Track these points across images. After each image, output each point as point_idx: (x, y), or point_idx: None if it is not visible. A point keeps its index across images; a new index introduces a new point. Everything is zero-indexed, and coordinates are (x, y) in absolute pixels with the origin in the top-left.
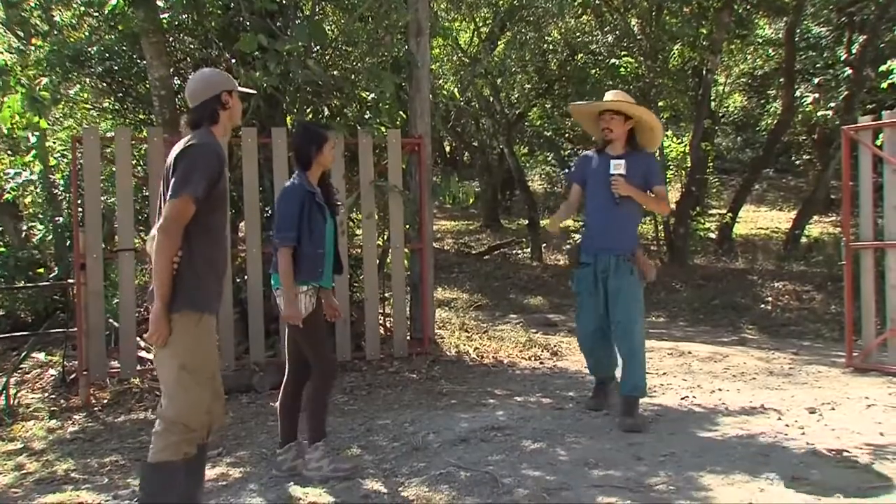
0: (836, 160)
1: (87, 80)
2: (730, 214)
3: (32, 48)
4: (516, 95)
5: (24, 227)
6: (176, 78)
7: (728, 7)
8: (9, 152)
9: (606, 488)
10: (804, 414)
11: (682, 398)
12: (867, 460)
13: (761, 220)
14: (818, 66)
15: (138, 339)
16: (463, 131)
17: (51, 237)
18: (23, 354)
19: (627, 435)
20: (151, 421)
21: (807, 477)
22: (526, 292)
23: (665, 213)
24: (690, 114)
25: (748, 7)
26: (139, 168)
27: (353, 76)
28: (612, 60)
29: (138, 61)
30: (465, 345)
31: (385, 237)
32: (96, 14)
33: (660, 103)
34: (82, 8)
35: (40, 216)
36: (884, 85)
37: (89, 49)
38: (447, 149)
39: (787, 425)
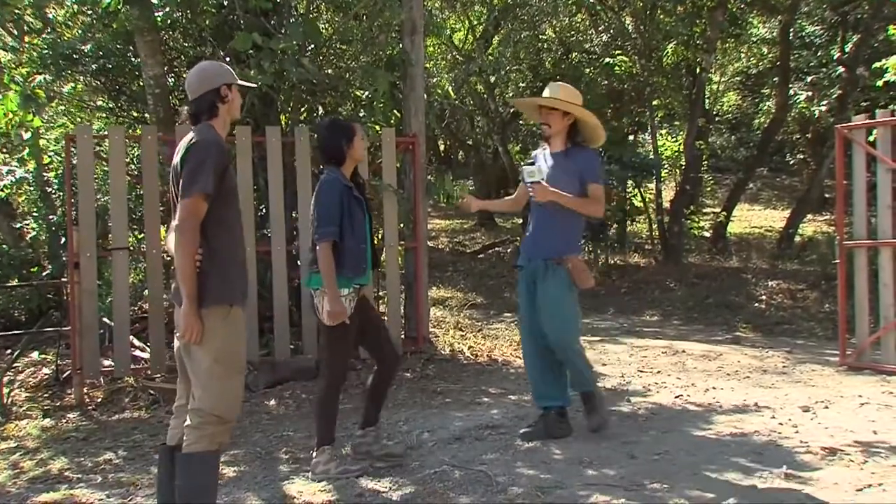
0: (829, 159)
1: (81, 78)
2: (724, 213)
3: (26, 46)
4: (510, 94)
5: (18, 226)
6: (170, 76)
7: (722, 6)
8: (3, 150)
9: (601, 487)
10: (798, 412)
11: (676, 397)
12: (860, 458)
13: (755, 218)
14: (812, 64)
15: (132, 337)
16: (457, 130)
17: (44, 236)
18: (16, 353)
19: (622, 433)
20: (146, 419)
21: (800, 475)
22: None
23: (597, 215)
24: (685, 112)
25: (742, 6)
26: (133, 166)
27: (347, 75)
28: (607, 59)
29: (132, 59)
30: (459, 343)
31: (379, 236)
32: (90, 12)
33: (654, 102)
34: (76, 6)
35: (34, 214)
36: (878, 83)
37: (83, 47)
38: (441, 147)
39: (780, 423)
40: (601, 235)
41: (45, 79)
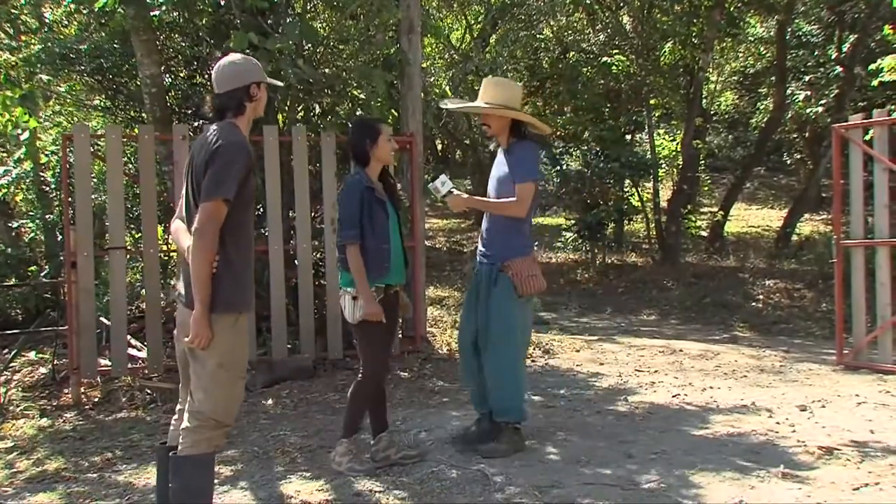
0: (826, 158)
1: (78, 77)
2: (721, 212)
3: (22, 45)
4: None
5: (15, 225)
6: (167, 75)
7: (720, 5)
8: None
9: (597, 486)
10: (795, 411)
11: (674, 396)
12: (857, 458)
13: (753, 218)
14: (809, 64)
15: (129, 336)
16: (455, 129)
17: (42, 235)
18: (13, 352)
19: (619, 433)
20: (142, 419)
21: (797, 474)
22: None
23: (517, 216)
24: (682, 112)
25: (739, 5)
26: (130, 166)
27: (344, 74)
28: (604, 58)
29: (129, 59)
30: (456, 343)
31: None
32: (86, 11)
33: (651, 101)
34: (72, 5)
35: (31, 214)
36: (874, 83)
37: (80, 46)
38: (439, 147)
39: (777, 423)
40: (598, 235)
41: (41, 78)
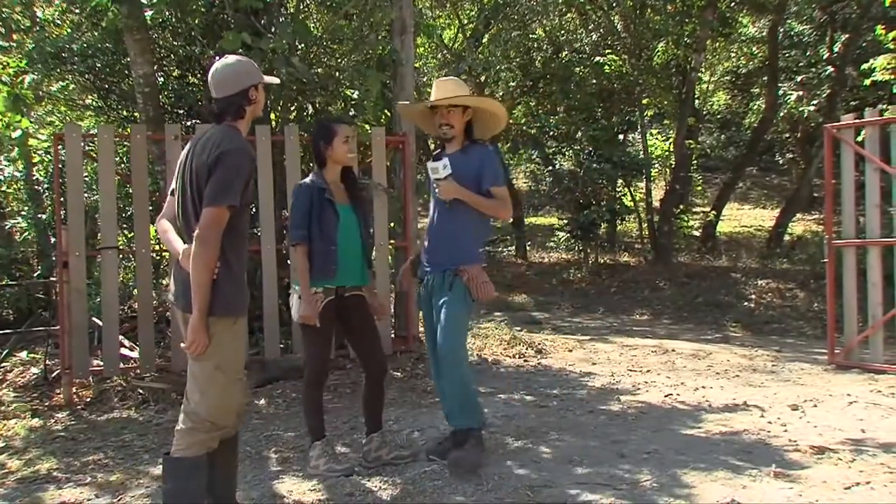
0: (818, 158)
1: (70, 76)
2: (714, 212)
3: (14, 44)
4: (500, 93)
5: (7, 225)
6: (159, 75)
7: (712, 5)
8: None
9: (590, 486)
10: (787, 411)
11: (666, 395)
12: (849, 457)
13: (745, 217)
14: (801, 64)
15: (121, 336)
16: None
17: (34, 235)
18: (5, 352)
19: (611, 433)
20: (135, 419)
21: (789, 473)
22: (510, 290)
23: (505, 218)
24: (674, 112)
25: (732, 5)
26: (122, 166)
27: (337, 74)
28: (597, 58)
29: (122, 58)
30: None
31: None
32: (79, 10)
33: (644, 101)
34: (65, 4)
35: (23, 214)
36: (866, 83)
37: (72, 45)
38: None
39: (769, 422)
40: (591, 235)
41: (33, 78)
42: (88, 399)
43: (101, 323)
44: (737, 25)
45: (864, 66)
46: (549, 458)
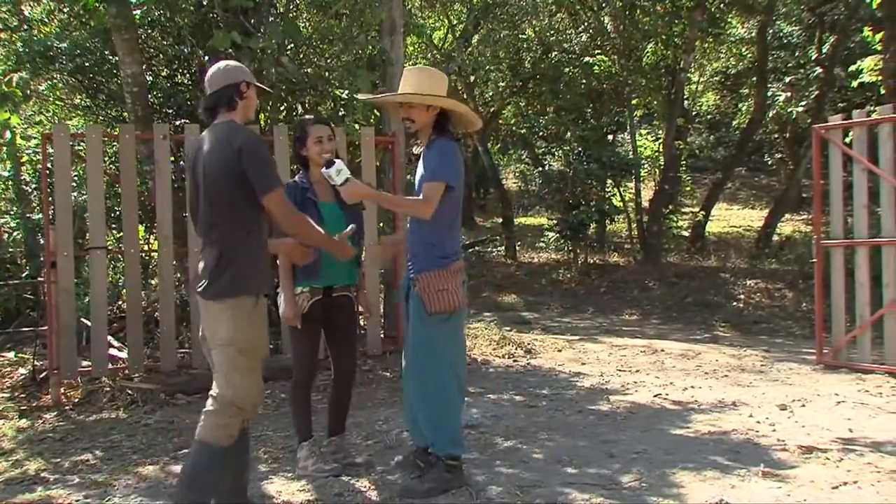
0: (807, 159)
1: (58, 76)
2: (703, 212)
3: (2, 43)
4: (490, 93)
5: None
6: (148, 74)
7: (701, 6)
8: None
9: (579, 486)
10: (775, 411)
11: (655, 395)
12: (837, 456)
13: (734, 218)
14: (790, 65)
15: (109, 337)
16: None
17: (22, 235)
18: None
19: (600, 432)
20: (123, 420)
21: (777, 473)
22: (500, 290)
23: (421, 217)
24: (664, 112)
25: (721, 5)
26: (111, 165)
27: (327, 74)
28: (586, 58)
29: (110, 58)
30: None
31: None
32: (67, 9)
33: (633, 101)
34: (52, 3)
35: (11, 213)
36: (854, 84)
37: (60, 45)
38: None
39: (758, 422)
40: (581, 235)
41: (21, 77)
42: (77, 400)
43: (89, 323)
44: (726, 26)
45: (852, 67)
46: (538, 458)
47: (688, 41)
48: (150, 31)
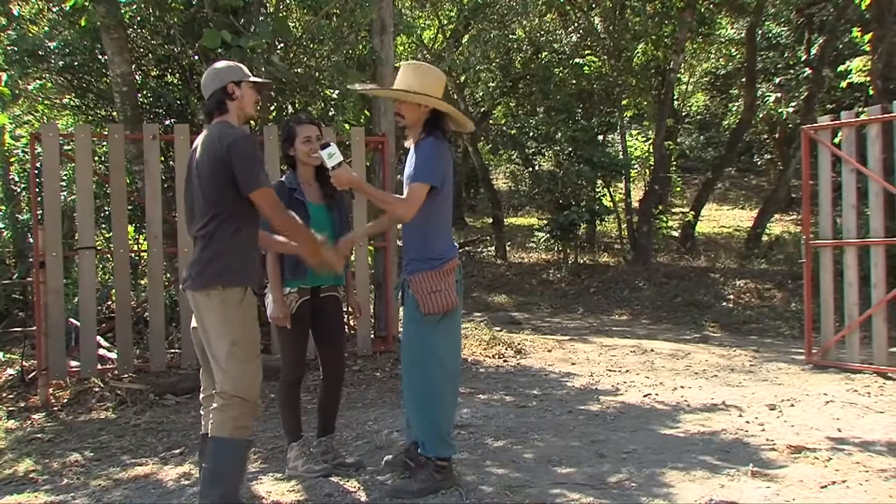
0: (796, 159)
1: (47, 75)
2: (692, 213)
3: None
4: (480, 94)
5: None
6: (138, 74)
7: (690, 6)
8: None
9: (569, 485)
10: (764, 410)
11: (645, 395)
12: (825, 456)
13: (723, 218)
14: (779, 66)
15: (98, 337)
16: None
17: (11, 235)
18: None
19: (590, 432)
20: (112, 420)
21: (766, 472)
22: (490, 290)
23: (402, 217)
24: (654, 112)
25: (711, 6)
26: (100, 165)
27: (317, 74)
28: (576, 59)
29: (99, 57)
30: None
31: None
32: (56, 9)
33: (623, 102)
34: (42, 2)
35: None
36: (843, 85)
37: (49, 44)
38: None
39: (747, 421)
40: (571, 235)
41: (10, 76)
42: (66, 400)
43: (78, 323)
44: (715, 27)
45: (841, 67)
46: (528, 458)
47: (677, 42)
48: (139, 30)
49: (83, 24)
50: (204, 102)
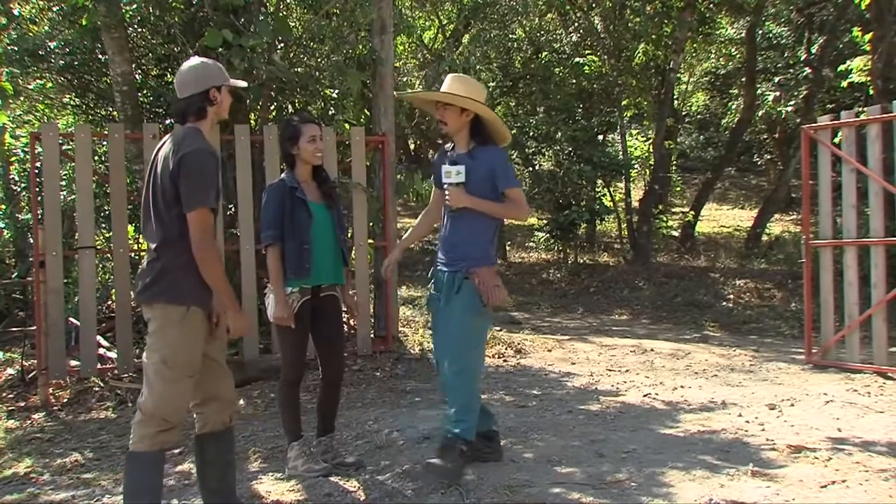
0: (796, 159)
1: (48, 75)
2: (692, 213)
3: None
4: None
5: None
6: (138, 73)
7: (690, 6)
8: None
9: (569, 485)
10: (764, 410)
11: (645, 395)
12: (825, 456)
13: (723, 218)
14: (779, 65)
15: (98, 337)
16: (427, 129)
17: (11, 234)
18: None
19: (590, 432)
20: (112, 420)
21: (766, 472)
22: None
23: (522, 218)
24: (654, 112)
25: (711, 6)
26: (100, 165)
27: (317, 73)
28: (576, 59)
29: (100, 56)
30: (428, 343)
31: (349, 234)
32: (56, 8)
33: (623, 102)
34: (42, 2)
35: (0, 213)
36: (843, 84)
37: (50, 43)
38: (411, 146)
39: (747, 421)
40: (570, 235)
41: (11, 75)
42: (65, 400)
43: (78, 323)
44: (715, 26)
45: (841, 67)
46: (528, 457)
47: (677, 41)
48: (139, 29)
49: (84, 23)
50: (176, 99)
